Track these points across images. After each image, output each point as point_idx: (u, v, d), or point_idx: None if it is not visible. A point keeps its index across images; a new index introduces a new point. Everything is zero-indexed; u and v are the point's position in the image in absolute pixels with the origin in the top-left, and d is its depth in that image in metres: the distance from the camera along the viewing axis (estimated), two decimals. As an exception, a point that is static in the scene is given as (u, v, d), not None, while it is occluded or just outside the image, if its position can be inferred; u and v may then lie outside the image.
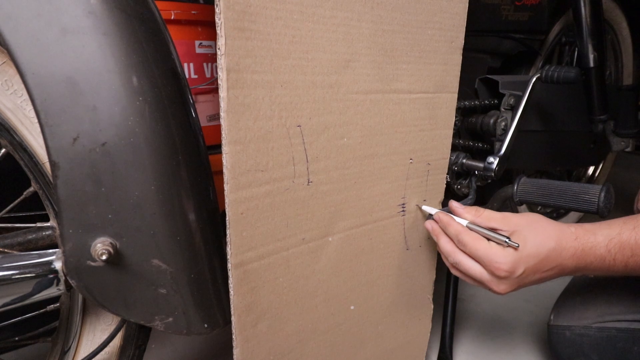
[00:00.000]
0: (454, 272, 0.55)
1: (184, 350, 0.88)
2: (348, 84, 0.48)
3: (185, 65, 0.80)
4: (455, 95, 0.60)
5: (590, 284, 0.71)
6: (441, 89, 0.58)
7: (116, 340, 0.52)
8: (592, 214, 0.65)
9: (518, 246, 0.49)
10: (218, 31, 0.37)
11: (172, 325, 0.46)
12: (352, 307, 0.58)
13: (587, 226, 0.52)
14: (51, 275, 0.44)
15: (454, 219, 0.54)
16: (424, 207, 0.61)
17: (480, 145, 0.86)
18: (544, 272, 0.51)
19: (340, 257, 0.54)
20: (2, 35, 0.36)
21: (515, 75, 1.14)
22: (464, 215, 0.55)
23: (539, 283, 0.53)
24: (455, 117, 0.66)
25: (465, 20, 0.57)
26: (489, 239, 0.51)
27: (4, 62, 0.43)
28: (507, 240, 0.49)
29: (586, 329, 0.66)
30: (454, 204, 0.57)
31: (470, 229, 0.53)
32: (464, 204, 0.58)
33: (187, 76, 0.80)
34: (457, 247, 0.53)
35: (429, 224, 0.58)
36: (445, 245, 0.54)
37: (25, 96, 0.44)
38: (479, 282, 0.52)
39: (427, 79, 0.55)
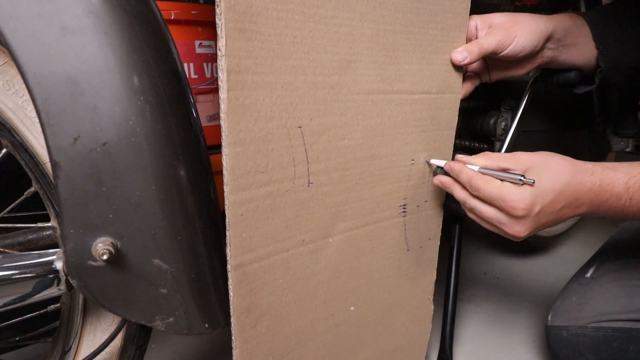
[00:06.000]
0: (471, 216, 0.54)
1: (184, 351, 0.88)
2: (349, 84, 0.48)
3: (185, 65, 0.79)
4: (459, 96, 0.60)
5: (586, 285, 0.71)
6: (444, 90, 0.58)
7: (117, 340, 0.52)
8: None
9: (534, 182, 0.47)
10: (219, 32, 0.37)
11: (173, 325, 0.46)
12: (352, 308, 0.58)
13: (606, 163, 0.50)
14: (52, 275, 0.44)
15: (466, 166, 0.53)
16: (432, 161, 0.59)
17: (480, 145, 0.86)
18: (560, 210, 0.49)
19: (341, 258, 0.54)
20: (3, 35, 0.36)
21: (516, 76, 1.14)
22: (474, 161, 0.53)
23: (554, 224, 0.50)
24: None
25: (468, 20, 0.57)
26: (502, 180, 0.49)
27: (5, 63, 0.43)
28: (521, 178, 0.47)
29: (582, 329, 0.66)
30: (459, 156, 0.56)
31: (483, 174, 0.51)
32: None
33: (187, 76, 0.80)
34: (471, 193, 0.52)
35: (438, 178, 0.56)
36: (459, 192, 0.53)
37: (27, 96, 0.44)
38: (496, 227, 0.51)
39: (429, 79, 0.55)
